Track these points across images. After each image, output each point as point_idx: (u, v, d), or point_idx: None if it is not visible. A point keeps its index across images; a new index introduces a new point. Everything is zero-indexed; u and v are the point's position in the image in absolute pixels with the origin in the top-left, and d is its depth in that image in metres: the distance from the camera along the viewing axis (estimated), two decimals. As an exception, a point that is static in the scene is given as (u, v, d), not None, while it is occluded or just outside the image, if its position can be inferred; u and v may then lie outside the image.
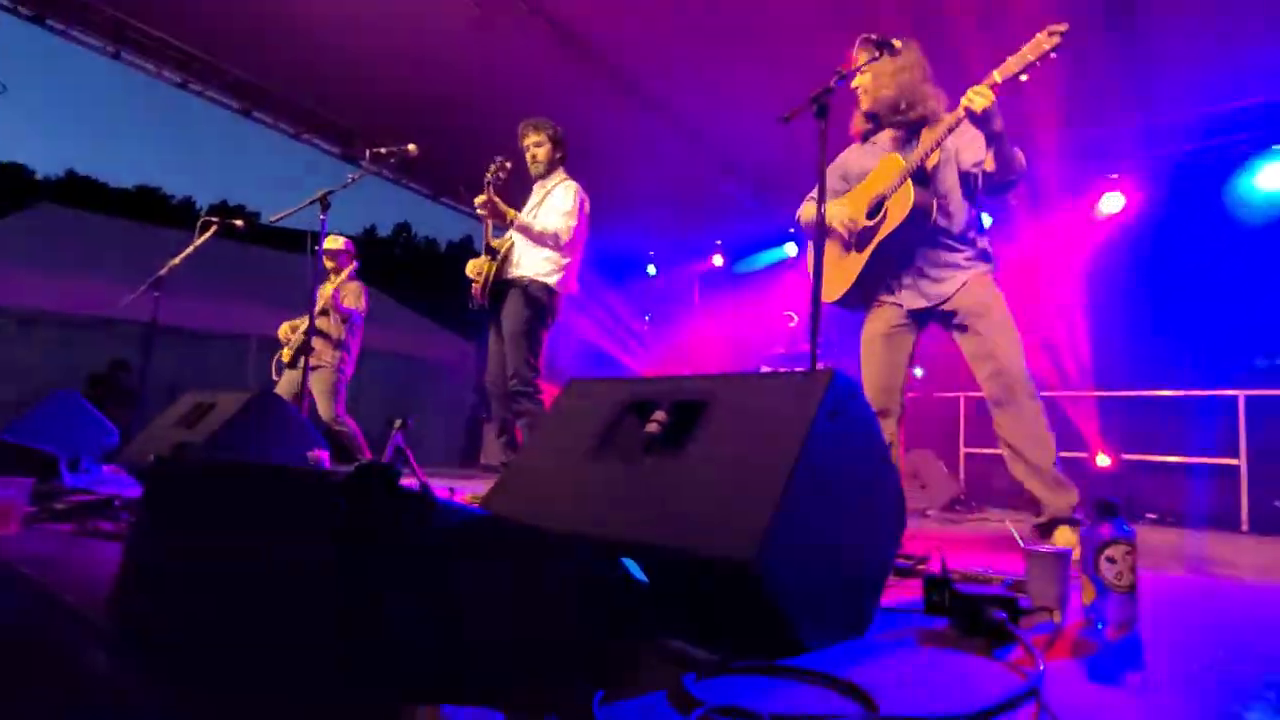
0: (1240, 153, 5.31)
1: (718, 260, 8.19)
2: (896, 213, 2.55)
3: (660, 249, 8.66)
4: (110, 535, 2.02)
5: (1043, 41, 2.27)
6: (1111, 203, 5.90)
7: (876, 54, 2.44)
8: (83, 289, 7.31)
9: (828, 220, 2.53)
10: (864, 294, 2.77)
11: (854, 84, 2.65)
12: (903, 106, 2.61)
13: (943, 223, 2.59)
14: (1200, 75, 4.73)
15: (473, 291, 3.66)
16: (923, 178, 2.57)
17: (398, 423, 3.50)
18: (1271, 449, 4.66)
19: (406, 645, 0.77)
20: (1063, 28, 2.21)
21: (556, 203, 3.56)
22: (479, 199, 3.43)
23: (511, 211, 3.48)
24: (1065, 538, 2.41)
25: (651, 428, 1.59)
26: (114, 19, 5.42)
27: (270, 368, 4.82)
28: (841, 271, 2.75)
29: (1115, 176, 5.87)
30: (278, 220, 4.50)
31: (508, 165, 3.50)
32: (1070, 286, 5.91)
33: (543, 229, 3.46)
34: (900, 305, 2.69)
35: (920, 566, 2.18)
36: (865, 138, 2.82)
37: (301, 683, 0.76)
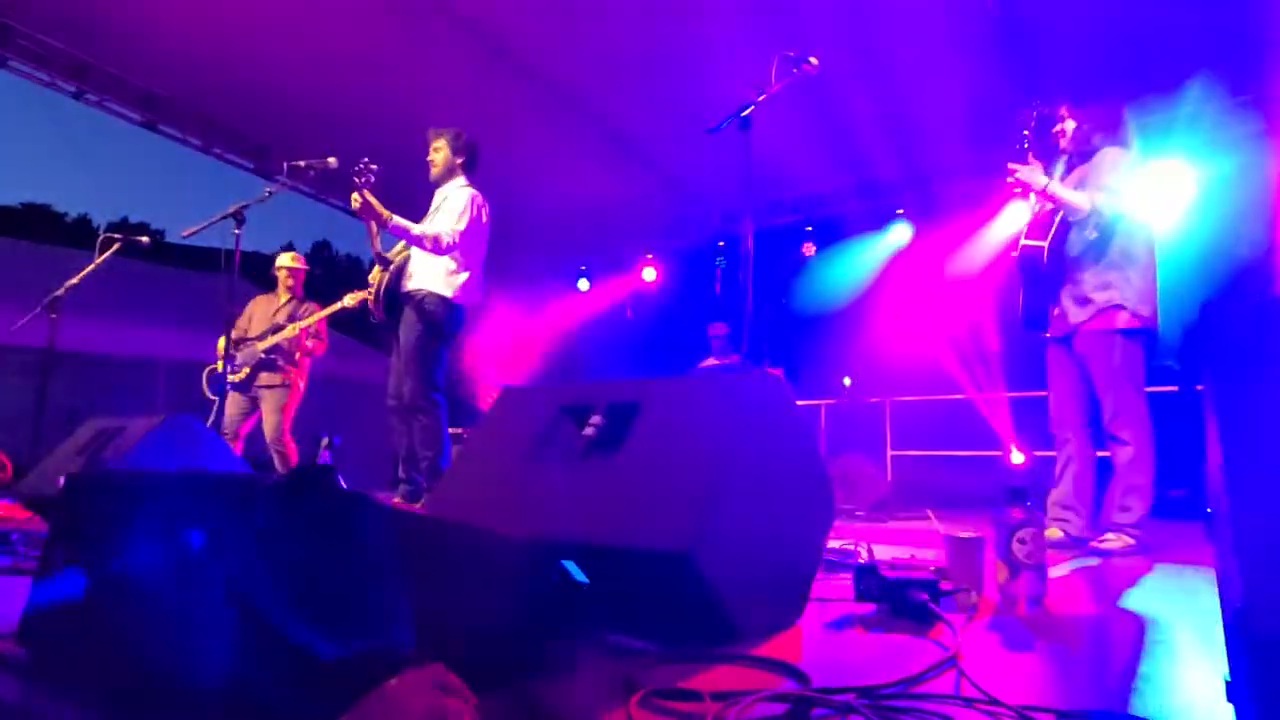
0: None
1: (649, 273, 8.26)
2: None
3: (591, 262, 8.68)
4: (9, 570, 1.88)
5: None
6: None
7: (793, 70, 2.56)
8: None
9: None
10: None
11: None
12: None
13: None
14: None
15: (368, 304, 3.53)
16: None
17: (325, 441, 3.39)
18: (1163, 442, 5.06)
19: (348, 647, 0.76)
20: None
21: (450, 206, 3.42)
22: (353, 198, 3.13)
23: (387, 213, 3.19)
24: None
25: (588, 431, 1.61)
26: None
27: (204, 385, 4.61)
28: None
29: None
30: (190, 236, 4.30)
31: (374, 166, 3.20)
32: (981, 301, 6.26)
33: (421, 232, 3.24)
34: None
35: (849, 559, 2.28)
36: None
37: (242, 695, 0.74)
